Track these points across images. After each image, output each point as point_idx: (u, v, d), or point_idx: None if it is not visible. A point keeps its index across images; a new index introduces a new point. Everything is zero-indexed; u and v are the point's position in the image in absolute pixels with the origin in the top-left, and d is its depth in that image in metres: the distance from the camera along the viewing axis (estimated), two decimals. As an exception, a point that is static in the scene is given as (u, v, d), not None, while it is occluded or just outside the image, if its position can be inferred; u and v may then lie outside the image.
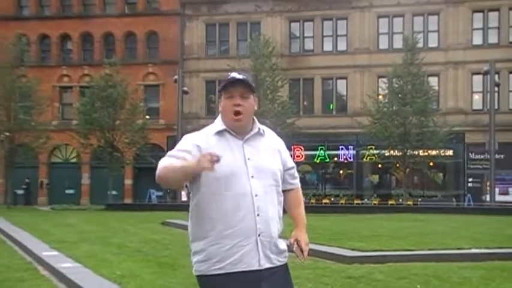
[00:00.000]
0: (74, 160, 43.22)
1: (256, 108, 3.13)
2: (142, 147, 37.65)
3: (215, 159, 2.76)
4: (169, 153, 3.05)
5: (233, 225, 2.97)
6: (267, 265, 3.04)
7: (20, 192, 40.81)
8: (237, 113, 3.05)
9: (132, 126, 36.19)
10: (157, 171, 2.95)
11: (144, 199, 38.08)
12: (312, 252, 10.99)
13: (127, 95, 36.32)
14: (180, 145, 3.08)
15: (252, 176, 3.02)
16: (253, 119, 3.15)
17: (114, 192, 37.97)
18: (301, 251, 3.19)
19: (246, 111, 3.07)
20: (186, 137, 3.15)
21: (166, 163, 2.94)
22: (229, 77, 3.09)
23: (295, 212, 3.32)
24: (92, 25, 42.96)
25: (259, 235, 3.00)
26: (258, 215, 2.99)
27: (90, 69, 41.32)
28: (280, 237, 3.16)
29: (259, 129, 3.15)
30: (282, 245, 3.15)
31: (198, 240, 3.06)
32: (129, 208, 32.93)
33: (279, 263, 3.10)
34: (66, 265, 9.89)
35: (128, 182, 41.58)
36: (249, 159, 3.04)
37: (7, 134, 36.31)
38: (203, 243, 3.03)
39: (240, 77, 3.07)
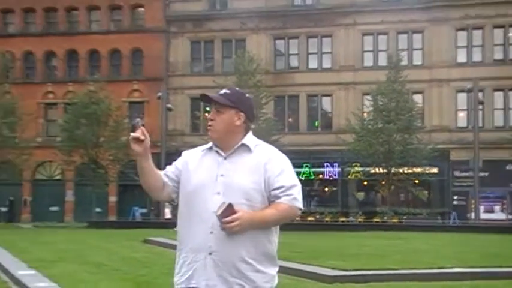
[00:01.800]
0: (58, 177, 42.77)
1: (238, 124, 3.08)
2: (127, 164, 37.33)
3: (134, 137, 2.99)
4: None
5: (191, 240, 2.99)
6: (221, 287, 2.91)
7: (4, 209, 40.29)
8: (209, 127, 3.10)
9: (115, 143, 35.96)
10: None
11: (128, 216, 37.71)
12: (292, 271, 10.95)
13: (111, 112, 36.15)
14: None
15: (218, 193, 2.95)
16: (243, 135, 3.10)
17: (98, 210, 37.64)
18: (225, 219, 2.84)
19: (217, 125, 3.08)
20: (183, 153, 3.25)
21: None
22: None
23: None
24: (77, 42, 42.80)
25: (210, 253, 2.92)
26: (211, 232, 2.92)
27: (74, 86, 40.95)
28: (255, 264, 2.95)
29: (243, 144, 3.07)
30: (253, 274, 2.94)
31: (177, 252, 3.10)
32: (112, 225, 32.58)
33: None
34: (41, 285, 9.70)
35: (112, 199, 41.19)
36: (222, 175, 3.00)
37: (-10, 151, 36.00)
38: (178, 255, 3.07)
39: (212, 93, 3.13)
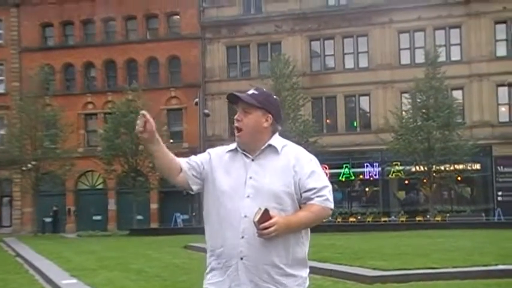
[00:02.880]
0: (100, 186, 43.37)
1: (266, 125, 3.01)
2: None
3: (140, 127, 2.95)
4: None
5: (222, 244, 2.94)
6: None
7: (48, 220, 41.05)
8: (236, 129, 3.03)
9: (155, 151, 36.19)
10: None
11: (170, 223, 37.98)
12: (333, 273, 10.86)
13: (149, 120, 36.44)
14: None
15: (248, 196, 2.90)
16: (270, 137, 3.03)
17: (139, 217, 37.97)
18: (262, 224, 2.77)
19: (245, 127, 3.00)
20: (207, 150, 3.20)
21: None
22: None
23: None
24: (115, 52, 43.37)
25: (241, 258, 2.88)
26: (242, 237, 2.88)
27: (113, 96, 41.44)
28: (286, 268, 2.92)
29: (270, 146, 3.00)
30: (284, 278, 2.91)
31: (207, 253, 3.08)
32: (153, 233, 32.90)
33: None
34: (83, 293, 9.84)
35: (154, 206, 41.54)
36: (250, 178, 2.94)
37: (33, 163, 36.74)
38: (208, 256, 3.05)
39: (238, 93, 3.05)
